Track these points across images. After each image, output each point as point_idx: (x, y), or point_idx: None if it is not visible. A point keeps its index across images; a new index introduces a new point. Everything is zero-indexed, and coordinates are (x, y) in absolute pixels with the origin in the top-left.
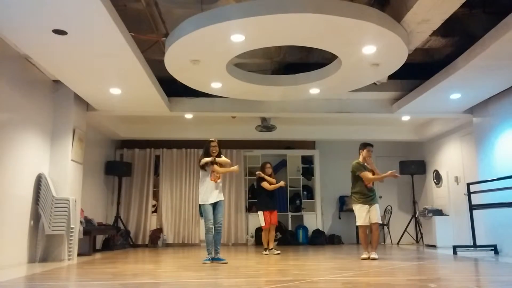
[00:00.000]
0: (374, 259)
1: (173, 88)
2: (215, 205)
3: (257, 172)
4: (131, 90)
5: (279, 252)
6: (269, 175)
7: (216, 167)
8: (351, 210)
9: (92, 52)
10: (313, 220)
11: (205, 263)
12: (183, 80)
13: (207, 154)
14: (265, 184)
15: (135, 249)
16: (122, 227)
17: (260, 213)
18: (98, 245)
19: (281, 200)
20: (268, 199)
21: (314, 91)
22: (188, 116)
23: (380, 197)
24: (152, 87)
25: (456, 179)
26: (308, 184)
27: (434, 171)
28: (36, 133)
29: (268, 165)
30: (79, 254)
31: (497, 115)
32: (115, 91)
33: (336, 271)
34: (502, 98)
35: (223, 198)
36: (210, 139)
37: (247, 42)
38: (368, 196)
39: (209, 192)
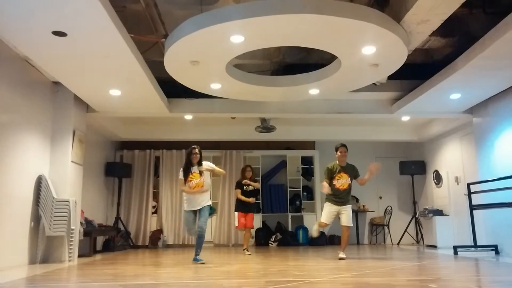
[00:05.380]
0: (341, 258)
1: (172, 89)
2: (196, 212)
3: (244, 181)
4: (131, 91)
5: (250, 253)
6: (249, 179)
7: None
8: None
9: (91, 53)
10: (313, 221)
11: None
12: (183, 81)
13: (188, 160)
14: (238, 193)
15: (136, 250)
16: (122, 228)
17: (235, 213)
18: (99, 246)
19: (281, 201)
20: (243, 202)
21: (314, 91)
22: (188, 117)
23: (380, 197)
24: (152, 88)
25: (456, 179)
26: (308, 185)
27: (434, 171)
28: (36, 134)
29: (249, 169)
30: (79, 255)
31: (497, 115)
32: (115, 92)
33: (336, 272)
34: (502, 98)
35: (206, 204)
36: (193, 146)
37: (246, 43)
38: (339, 198)
39: (188, 199)
